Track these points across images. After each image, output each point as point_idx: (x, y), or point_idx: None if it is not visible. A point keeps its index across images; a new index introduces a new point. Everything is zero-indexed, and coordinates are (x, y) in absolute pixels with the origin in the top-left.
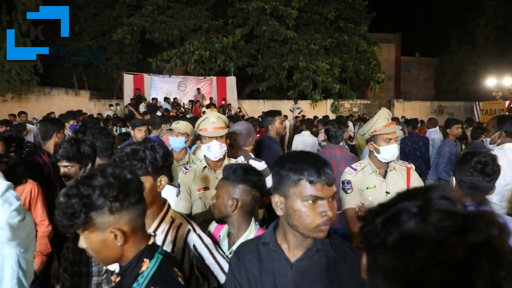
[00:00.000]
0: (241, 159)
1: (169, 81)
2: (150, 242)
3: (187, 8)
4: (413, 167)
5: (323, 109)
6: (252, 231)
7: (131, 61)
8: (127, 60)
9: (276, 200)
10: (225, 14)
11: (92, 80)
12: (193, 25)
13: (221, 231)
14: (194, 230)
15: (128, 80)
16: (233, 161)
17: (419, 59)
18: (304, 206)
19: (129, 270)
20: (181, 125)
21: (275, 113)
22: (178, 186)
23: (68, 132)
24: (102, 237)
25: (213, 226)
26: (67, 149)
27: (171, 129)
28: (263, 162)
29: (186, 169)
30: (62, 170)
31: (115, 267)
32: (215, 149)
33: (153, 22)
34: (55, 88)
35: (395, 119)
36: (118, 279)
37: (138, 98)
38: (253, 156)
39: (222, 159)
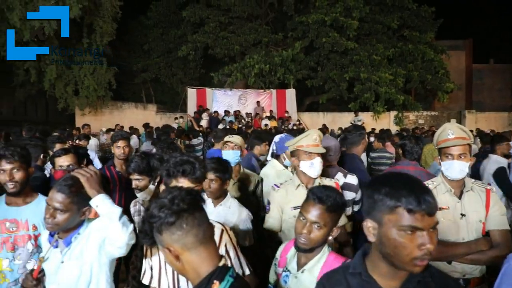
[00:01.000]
0: (339, 176)
1: (230, 94)
2: (221, 263)
3: (247, 23)
4: (494, 189)
5: (386, 121)
6: (325, 253)
7: (194, 76)
8: (190, 75)
9: (369, 225)
10: (284, 28)
11: (159, 95)
12: (253, 39)
13: (289, 252)
14: (226, 231)
15: (192, 94)
16: (326, 179)
17: (493, 66)
18: (401, 236)
19: None
20: (236, 138)
21: (362, 130)
22: (268, 204)
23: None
24: (164, 253)
25: (281, 246)
26: (138, 163)
27: (226, 142)
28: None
29: (277, 186)
30: (134, 183)
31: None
32: (318, 166)
33: (215, 38)
34: (126, 102)
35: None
36: None
37: (201, 112)
38: (348, 172)
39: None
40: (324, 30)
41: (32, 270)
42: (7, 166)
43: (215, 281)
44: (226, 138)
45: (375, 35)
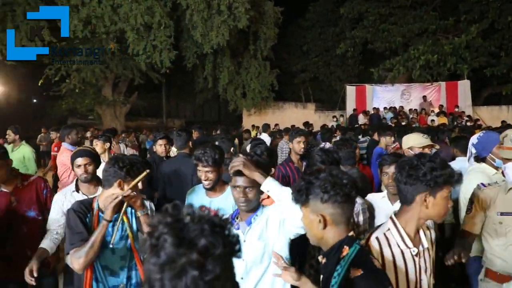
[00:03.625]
0: None
1: (391, 90)
2: (350, 234)
3: (411, 12)
4: None
5: None
6: None
7: (353, 73)
8: (349, 72)
9: None
10: (455, 11)
11: (317, 94)
12: (418, 28)
13: None
14: None
15: (351, 91)
16: None
17: None
18: None
19: (331, 254)
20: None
21: None
22: (470, 203)
23: None
24: (311, 217)
25: None
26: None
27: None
28: None
29: (484, 185)
30: None
31: None
32: None
33: (375, 32)
34: (286, 102)
35: None
36: (324, 259)
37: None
38: None
39: None
40: (509, 7)
41: None
42: (204, 169)
43: (345, 247)
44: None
45: None
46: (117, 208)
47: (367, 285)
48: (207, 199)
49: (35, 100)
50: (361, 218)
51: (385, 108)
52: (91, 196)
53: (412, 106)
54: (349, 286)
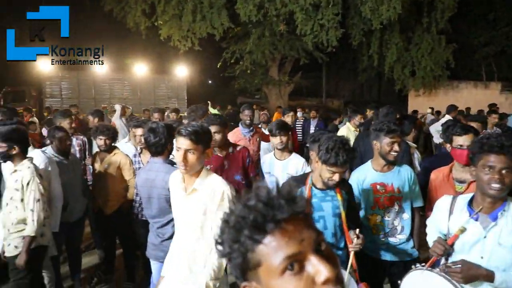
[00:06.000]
0: None
1: None
2: None
3: None
4: None
5: None
6: None
7: None
8: None
9: None
10: None
11: (504, 71)
12: None
13: None
14: None
15: None
16: None
17: None
18: None
19: None
20: None
21: None
22: None
23: None
24: None
25: None
26: None
27: None
28: None
29: None
30: None
31: None
32: None
33: None
34: (463, 81)
35: None
36: None
37: None
38: None
39: None
40: None
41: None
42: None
43: None
44: None
45: None
46: None
47: None
48: None
49: (210, 82)
50: None
51: None
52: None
53: None
54: None
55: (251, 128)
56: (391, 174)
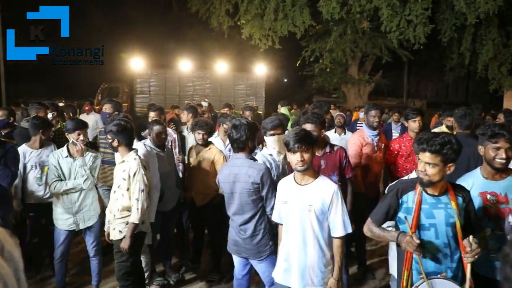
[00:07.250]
0: None
1: None
2: None
3: None
4: None
5: None
6: None
7: None
8: None
9: None
10: None
11: None
12: None
13: None
14: None
15: None
16: None
17: None
18: None
19: None
20: None
21: None
22: None
23: None
24: None
25: None
26: None
27: None
28: None
29: None
30: None
31: None
32: None
33: None
34: None
35: None
36: None
37: None
38: None
39: None
40: None
41: None
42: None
43: None
44: None
45: None
46: None
47: None
48: None
49: (285, 80)
50: None
51: None
52: None
53: None
54: None
55: (377, 131)
56: (505, 183)
